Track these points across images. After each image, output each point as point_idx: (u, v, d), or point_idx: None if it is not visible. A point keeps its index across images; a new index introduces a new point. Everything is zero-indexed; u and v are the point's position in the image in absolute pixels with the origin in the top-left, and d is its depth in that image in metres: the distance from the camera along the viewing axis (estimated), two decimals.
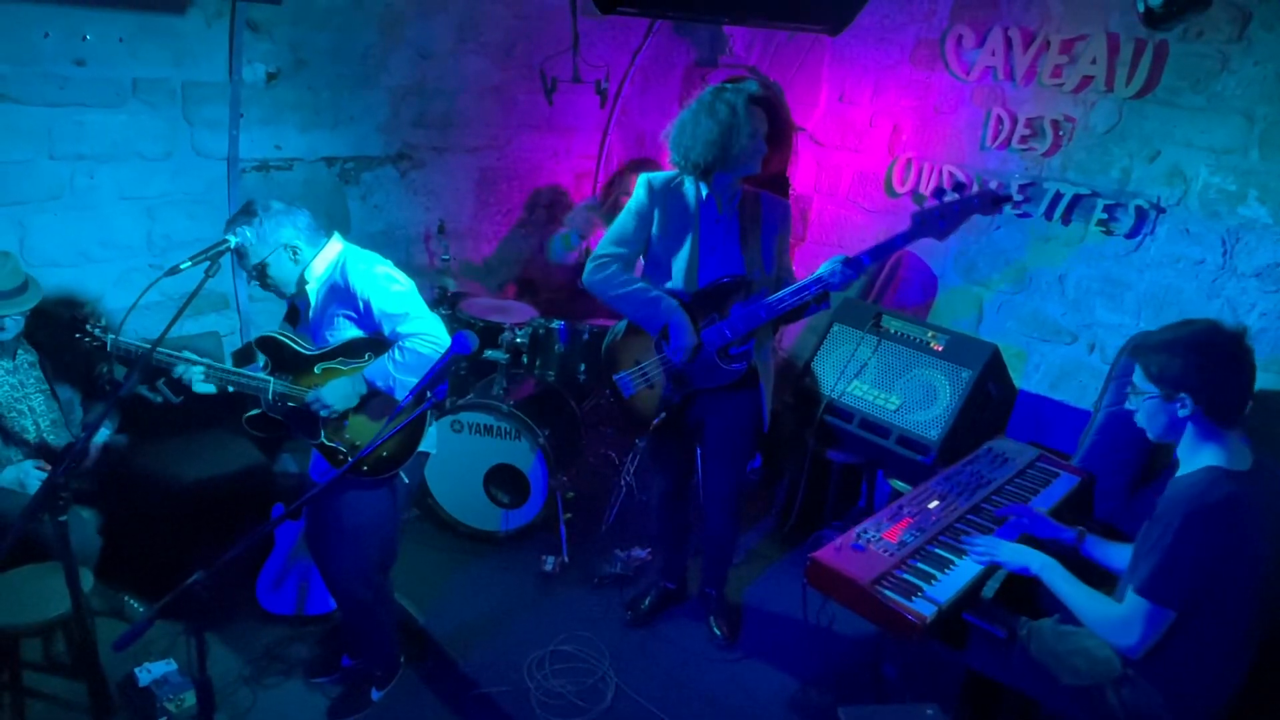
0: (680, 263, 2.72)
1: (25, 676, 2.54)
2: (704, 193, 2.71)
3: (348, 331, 2.44)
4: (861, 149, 4.19)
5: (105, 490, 2.92)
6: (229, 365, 2.47)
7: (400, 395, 2.39)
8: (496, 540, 3.62)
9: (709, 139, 2.57)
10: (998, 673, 2.18)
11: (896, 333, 3.52)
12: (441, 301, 3.93)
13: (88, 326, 2.36)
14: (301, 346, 2.47)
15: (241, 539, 1.75)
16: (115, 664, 2.67)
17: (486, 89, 4.27)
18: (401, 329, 2.36)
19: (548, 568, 3.47)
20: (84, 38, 3.02)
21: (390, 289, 2.38)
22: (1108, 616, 1.95)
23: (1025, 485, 2.73)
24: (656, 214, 2.73)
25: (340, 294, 2.40)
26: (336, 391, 2.41)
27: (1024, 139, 3.59)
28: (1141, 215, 3.30)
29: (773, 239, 2.76)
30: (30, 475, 2.77)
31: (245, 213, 2.37)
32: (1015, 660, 2.12)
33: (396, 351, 2.36)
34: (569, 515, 3.58)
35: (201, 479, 3.14)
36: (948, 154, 3.87)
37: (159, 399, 2.52)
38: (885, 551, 2.26)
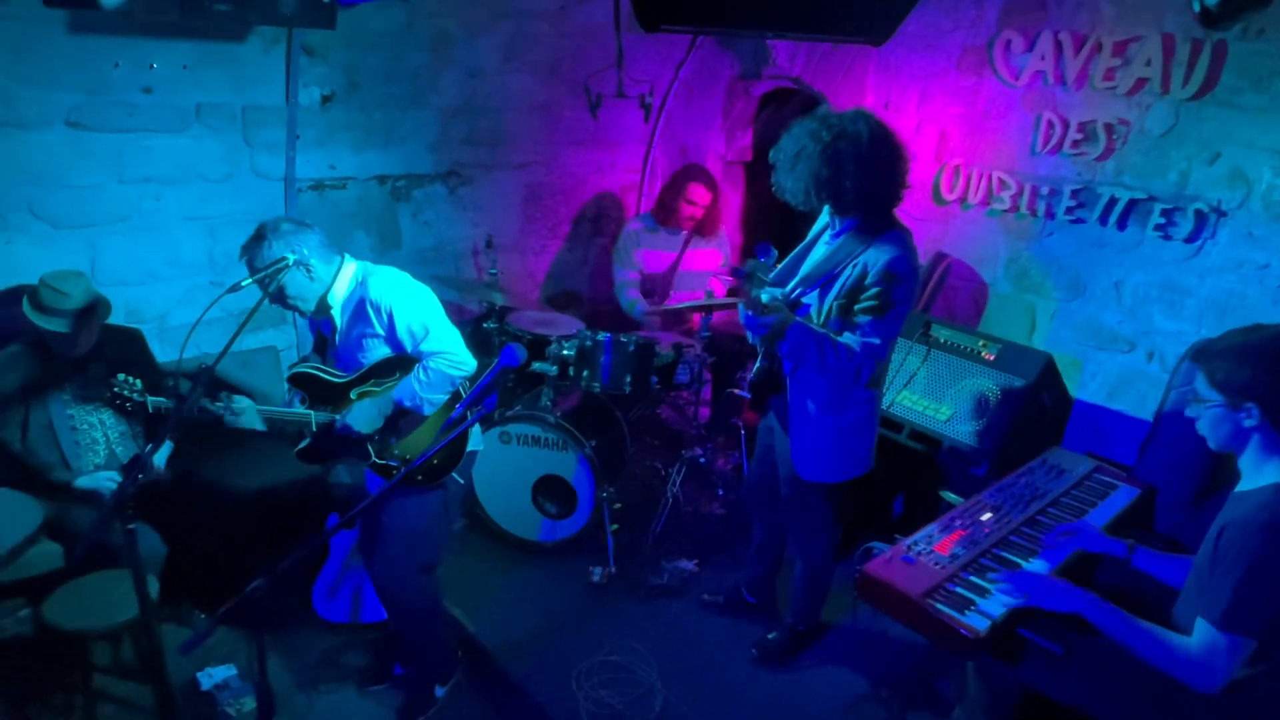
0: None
1: (95, 679, 2.63)
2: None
3: (378, 351, 2.48)
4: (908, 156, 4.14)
5: (170, 500, 3.02)
6: (286, 371, 2.54)
7: (428, 412, 2.44)
8: (544, 550, 3.64)
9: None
10: (1054, 690, 2.11)
11: (946, 342, 3.46)
12: (489, 315, 3.98)
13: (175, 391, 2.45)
14: (333, 375, 2.52)
15: (298, 547, 1.79)
16: (179, 668, 2.74)
17: (533, 106, 4.33)
18: (425, 347, 2.41)
19: (595, 578, 3.47)
20: (151, 66, 3.15)
21: (412, 304, 2.42)
22: (1181, 657, 1.83)
23: (1082, 497, 2.65)
24: None
25: (364, 313, 2.45)
26: (360, 415, 2.47)
27: (1076, 143, 3.51)
28: (1201, 219, 3.20)
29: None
30: (102, 485, 2.87)
31: (256, 237, 2.41)
32: (1073, 678, 2.05)
33: (421, 371, 2.41)
34: (616, 526, 3.58)
35: (259, 489, 3.23)
36: (997, 160, 3.81)
37: (219, 408, 2.61)
38: (936, 564, 2.22)
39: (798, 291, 2.61)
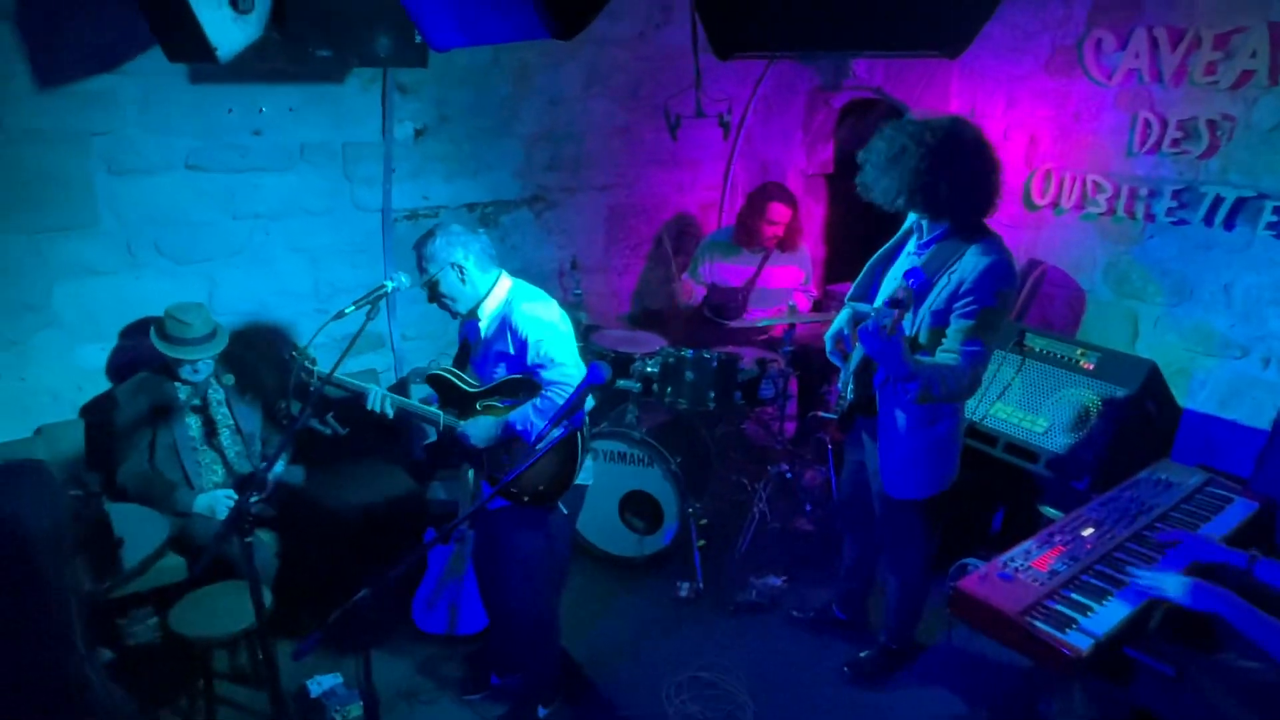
0: None
1: (216, 684, 2.80)
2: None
3: (508, 369, 2.56)
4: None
5: (282, 515, 3.19)
6: (439, 366, 2.69)
7: (533, 436, 2.49)
8: (632, 566, 3.66)
9: None
10: (1170, 713, 2.00)
11: (1042, 351, 3.35)
12: (578, 334, 4.04)
13: (305, 364, 2.61)
14: (466, 383, 2.62)
15: (400, 561, 1.86)
16: (290, 675, 2.88)
17: (613, 130, 4.42)
18: (546, 375, 2.47)
19: (683, 594, 3.48)
20: (260, 110, 3.38)
21: (546, 334, 2.48)
22: None
23: (1193, 511, 2.51)
24: None
25: (504, 331, 2.53)
26: (480, 428, 2.56)
27: (1176, 142, 3.35)
28: None
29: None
30: (220, 502, 3.06)
31: (427, 233, 2.56)
32: (1188, 699, 1.94)
33: (539, 398, 2.47)
34: (703, 542, 3.58)
35: (361, 506, 3.36)
36: (1091, 162, 3.67)
37: (328, 431, 2.75)
38: (1035, 581, 2.14)
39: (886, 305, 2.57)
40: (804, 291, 4.38)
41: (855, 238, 4.19)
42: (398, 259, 3.85)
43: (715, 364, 3.64)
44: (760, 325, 4.14)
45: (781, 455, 3.98)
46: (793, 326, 3.90)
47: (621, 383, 3.64)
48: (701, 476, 3.76)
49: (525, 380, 2.52)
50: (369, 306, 2.41)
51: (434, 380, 2.65)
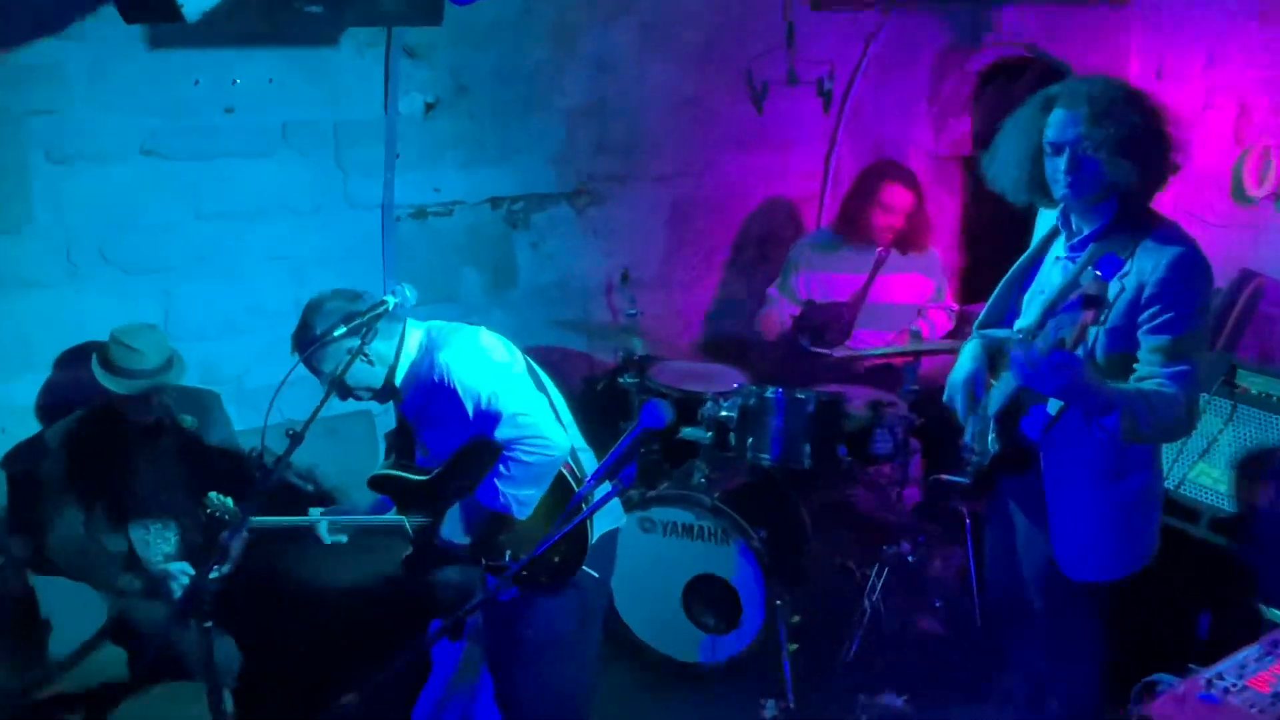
0: None
1: None
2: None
3: (458, 435, 2.63)
4: (1193, 140, 3.97)
5: (248, 596, 3.24)
6: (381, 464, 2.76)
7: (517, 511, 2.56)
8: (700, 674, 3.64)
9: None
10: None
11: (1260, 395, 3.26)
12: (627, 368, 4.09)
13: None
14: (414, 473, 2.71)
15: (395, 658, 1.89)
16: None
17: (679, 102, 4.48)
18: (500, 433, 2.52)
19: (768, 714, 3.44)
20: (234, 82, 3.52)
21: (483, 379, 2.53)
22: None
23: None
24: None
25: (434, 395, 2.59)
26: (453, 525, 2.65)
27: None
28: None
29: None
30: (173, 578, 3.12)
31: (300, 326, 2.64)
32: None
33: (501, 464, 2.54)
34: (794, 646, 3.54)
35: (349, 587, 3.40)
36: None
37: (310, 488, 2.83)
38: (1253, 706, 2.07)
39: (1048, 325, 2.53)
40: (937, 307, 4.34)
41: (1004, 236, 4.14)
42: (401, 269, 3.95)
43: (812, 407, 3.62)
44: (873, 355, 4.13)
45: (901, 531, 3.91)
46: (918, 358, 3.88)
47: (687, 431, 3.64)
48: (793, 558, 3.72)
49: (488, 445, 2.57)
50: (365, 330, 2.48)
51: (378, 485, 2.76)
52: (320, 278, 3.85)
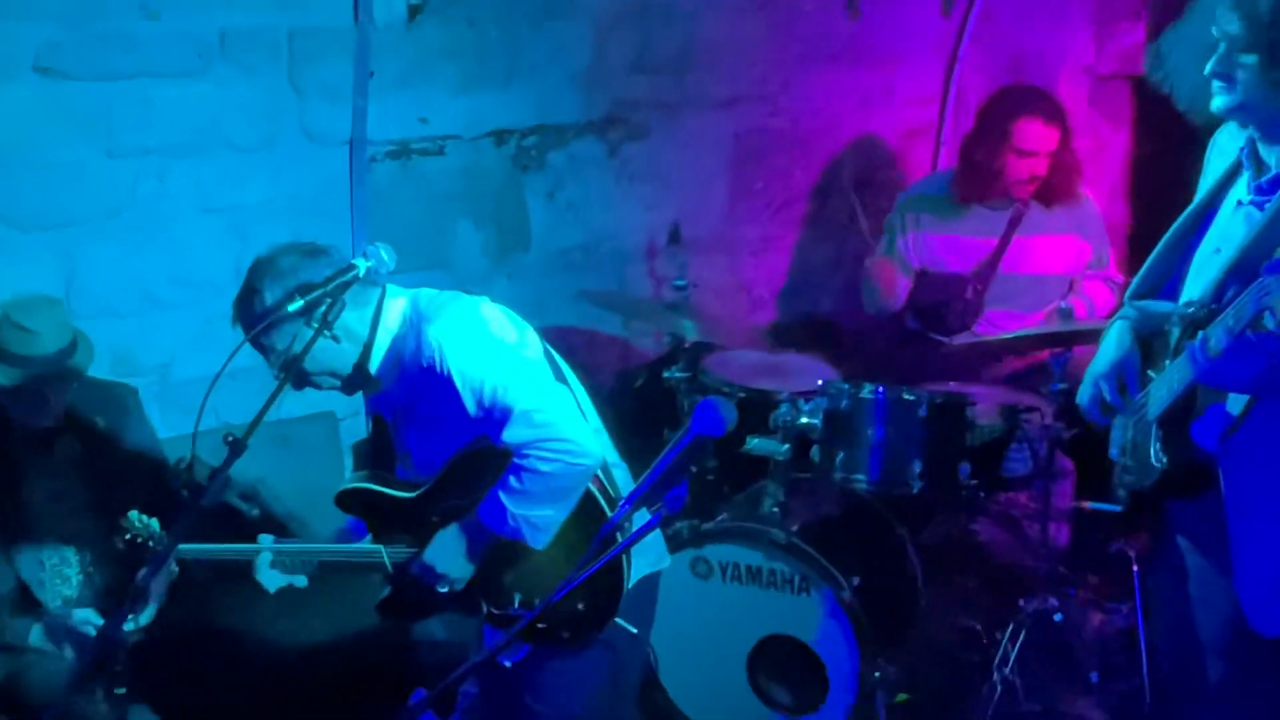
0: None
1: None
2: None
3: (455, 435, 2.60)
4: None
5: (172, 655, 3.23)
6: (352, 476, 2.70)
7: (530, 538, 2.52)
8: None
9: None
10: None
11: None
12: (674, 358, 4.06)
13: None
14: (396, 488, 2.68)
15: None
16: None
17: (746, 2, 4.43)
18: (510, 435, 2.47)
19: None
20: None
21: (488, 363, 2.50)
22: None
23: None
24: None
25: (426, 382, 2.55)
26: (443, 550, 2.60)
27: None
28: None
29: None
30: (74, 629, 3.12)
31: (245, 291, 2.62)
32: None
33: (511, 476, 2.49)
34: None
35: (306, 647, 3.39)
36: None
37: (255, 513, 2.83)
38: None
39: (1229, 294, 2.47)
40: (1094, 278, 4.30)
41: (1182, 183, 4.06)
42: (376, 225, 3.94)
43: (925, 412, 3.61)
44: (1008, 343, 4.09)
45: (1045, 581, 3.89)
46: (1069, 347, 3.82)
47: (755, 443, 3.61)
48: (898, 615, 3.71)
49: (492, 451, 2.54)
50: (327, 303, 2.45)
51: (348, 502, 2.74)
52: (269, 235, 3.80)
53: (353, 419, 4.06)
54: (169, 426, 3.58)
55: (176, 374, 3.81)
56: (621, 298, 4.48)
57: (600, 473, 2.62)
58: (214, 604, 3.42)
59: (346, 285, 2.48)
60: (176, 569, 3.35)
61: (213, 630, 3.39)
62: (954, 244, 4.32)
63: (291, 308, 2.46)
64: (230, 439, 2.42)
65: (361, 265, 2.53)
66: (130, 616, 2.42)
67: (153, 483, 3.35)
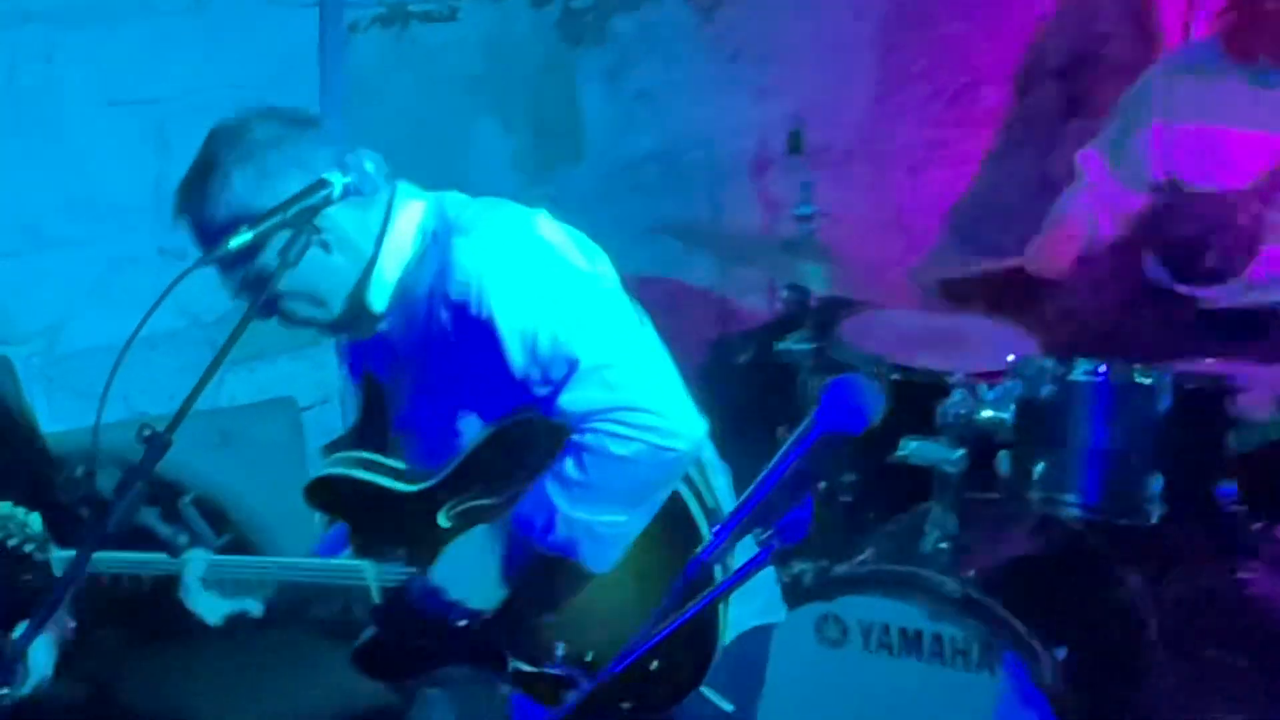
0: None
1: None
2: None
3: (479, 412, 2.72)
4: None
5: None
6: (330, 459, 2.90)
7: (590, 556, 2.58)
8: None
9: None
10: None
11: None
12: (796, 320, 4.24)
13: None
14: (395, 478, 2.84)
15: None
16: None
17: None
18: (572, 400, 2.50)
19: None
20: None
21: (550, 303, 2.54)
22: None
23: None
24: None
25: (457, 320, 2.61)
26: (462, 569, 2.71)
27: None
28: None
29: None
30: None
31: (200, 167, 2.71)
32: None
33: (568, 459, 2.53)
34: None
35: (264, 709, 3.65)
36: None
37: (183, 540, 3.00)
38: None
39: None
40: None
41: None
42: (355, 122, 4.08)
43: (1168, 404, 3.72)
44: None
45: None
46: None
47: (913, 447, 3.75)
48: (1122, 703, 3.79)
49: (529, 424, 2.64)
50: (288, 235, 2.54)
51: (325, 497, 2.90)
52: (202, 139, 4.13)
53: (321, 407, 4.24)
54: (57, 417, 3.77)
55: (66, 343, 4.01)
56: (717, 233, 4.62)
57: (695, 470, 2.67)
58: (129, 676, 3.68)
59: (314, 210, 2.53)
60: (73, 622, 3.66)
61: (124, 712, 3.63)
62: (1223, 143, 4.39)
63: (253, 233, 2.46)
64: (149, 434, 2.47)
65: (337, 181, 2.55)
66: (6, 685, 2.56)
67: (30, 473, 3.54)
